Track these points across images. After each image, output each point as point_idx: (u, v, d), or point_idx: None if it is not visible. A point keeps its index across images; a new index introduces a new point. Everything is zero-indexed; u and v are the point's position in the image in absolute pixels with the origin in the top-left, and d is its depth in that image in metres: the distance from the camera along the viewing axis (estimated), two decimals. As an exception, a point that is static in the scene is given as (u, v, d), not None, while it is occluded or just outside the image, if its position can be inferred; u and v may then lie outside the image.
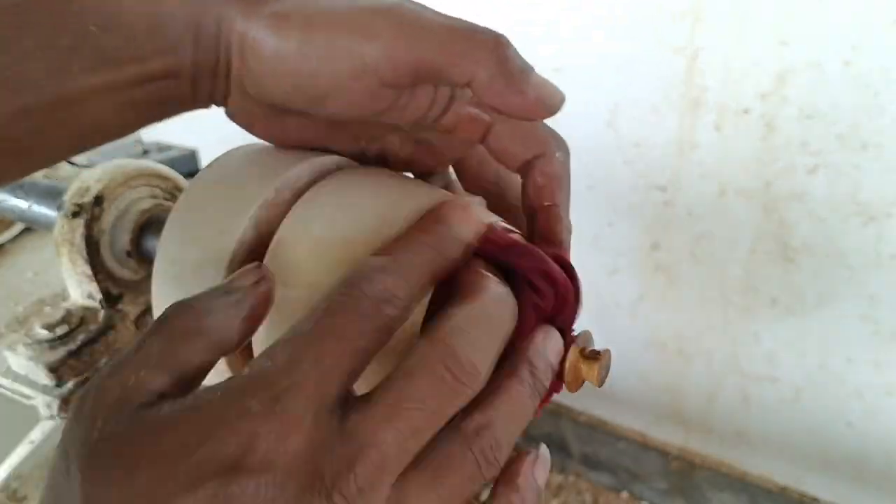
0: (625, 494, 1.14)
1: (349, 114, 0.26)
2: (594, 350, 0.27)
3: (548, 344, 0.23)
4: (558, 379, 0.26)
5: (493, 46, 0.24)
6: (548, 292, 0.24)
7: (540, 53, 0.86)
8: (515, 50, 0.25)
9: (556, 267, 0.25)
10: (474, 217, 0.24)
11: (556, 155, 0.28)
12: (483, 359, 0.21)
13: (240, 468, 0.17)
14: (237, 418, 0.18)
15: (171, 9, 0.24)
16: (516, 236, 0.26)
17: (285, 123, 0.28)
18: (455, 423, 0.20)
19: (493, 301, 0.22)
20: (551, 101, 0.25)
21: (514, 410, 0.21)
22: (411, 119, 0.27)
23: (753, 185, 0.80)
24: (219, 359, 0.21)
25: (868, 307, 0.80)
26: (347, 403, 0.19)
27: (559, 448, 1.18)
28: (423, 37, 0.24)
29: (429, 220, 0.23)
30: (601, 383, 0.27)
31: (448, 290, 0.23)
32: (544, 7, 0.83)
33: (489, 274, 0.23)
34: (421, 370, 0.20)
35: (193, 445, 0.18)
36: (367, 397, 0.20)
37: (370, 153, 0.31)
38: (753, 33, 0.73)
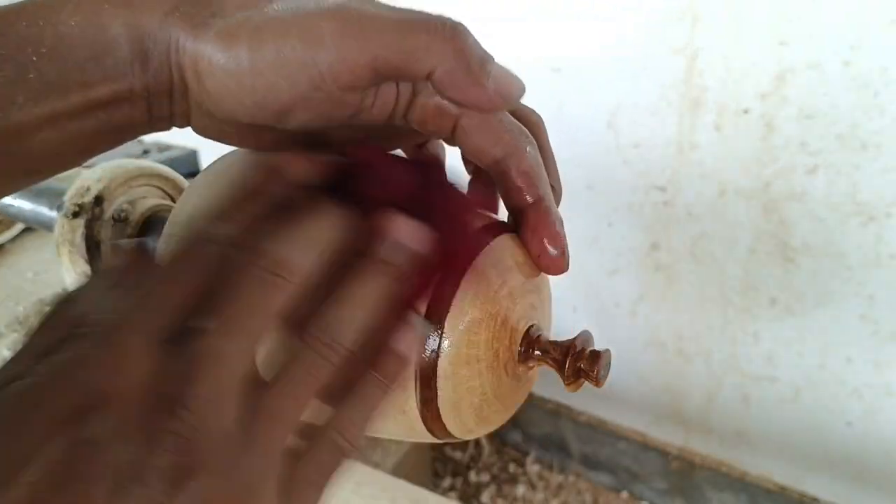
0: (625, 494, 1.14)
1: (320, 123, 0.26)
2: (594, 350, 0.27)
3: (391, 227, 0.23)
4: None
5: (451, 36, 0.24)
6: (368, 173, 0.25)
7: (540, 54, 0.86)
8: (473, 38, 0.25)
9: (366, 149, 0.26)
10: (302, 164, 0.24)
11: (528, 150, 0.28)
12: (300, 255, 0.21)
13: (85, 409, 0.18)
14: (74, 365, 0.18)
15: (115, 34, 0.24)
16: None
17: (260, 137, 0.28)
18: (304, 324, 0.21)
19: (312, 213, 0.23)
20: (510, 92, 0.25)
21: (349, 297, 0.22)
22: (381, 118, 0.27)
23: (753, 185, 0.80)
24: None
25: (867, 307, 0.80)
26: (188, 335, 0.20)
27: (559, 448, 1.18)
28: (374, 35, 0.23)
29: (258, 174, 0.23)
30: (601, 383, 0.27)
31: None
32: (544, 7, 0.83)
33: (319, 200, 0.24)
34: (241, 277, 0.21)
35: (40, 403, 0.18)
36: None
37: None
38: (753, 33, 0.73)
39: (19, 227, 0.59)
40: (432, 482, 1.20)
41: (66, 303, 0.21)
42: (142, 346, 0.19)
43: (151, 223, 0.43)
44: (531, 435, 1.21)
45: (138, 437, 0.18)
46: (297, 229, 0.22)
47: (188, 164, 0.75)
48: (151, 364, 0.19)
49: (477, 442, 1.25)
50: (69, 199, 0.41)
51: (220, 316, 0.20)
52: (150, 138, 0.84)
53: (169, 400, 0.19)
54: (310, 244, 0.22)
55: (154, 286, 0.20)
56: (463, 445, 1.26)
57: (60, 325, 0.21)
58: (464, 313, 0.26)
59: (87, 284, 0.22)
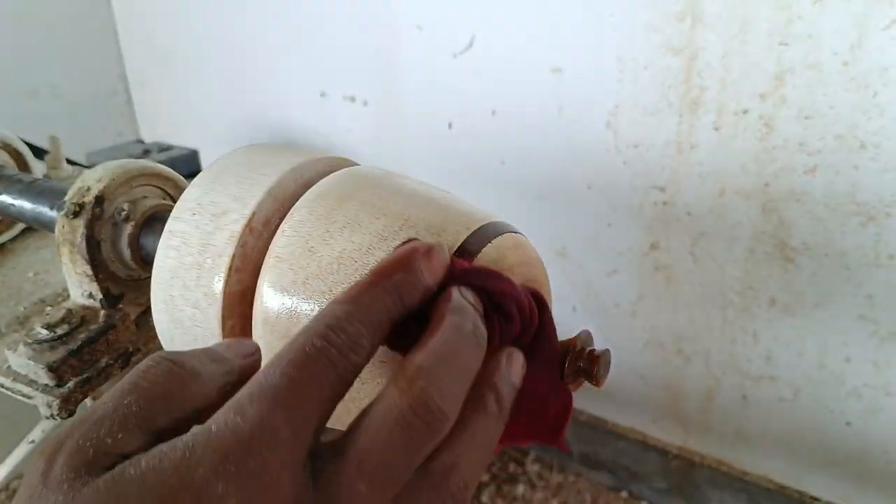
0: (624, 494, 1.14)
1: None
2: (594, 350, 0.27)
3: (511, 367, 0.23)
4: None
5: None
6: (516, 318, 0.25)
7: (540, 53, 0.86)
8: None
9: (524, 293, 0.26)
10: (437, 261, 0.24)
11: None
12: (452, 402, 0.21)
13: None
14: (206, 481, 0.17)
15: None
16: (487, 265, 0.27)
17: None
18: (424, 465, 0.20)
19: (462, 336, 0.22)
20: None
21: (480, 442, 0.21)
22: None
23: (752, 185, 0.80)
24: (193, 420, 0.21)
25: (866, 307, 0.80)
26: (317, 454, 0.19)
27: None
28: None
29: (392, 264, 0.23)
30: (601, 383, 0.27)
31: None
32: (544, 7, 0.83)
33: (464, 302, 0.23)
34: (390, 419, 0.19)
35: None
36: (336, 447, 0.19)
37: None
38: (752, 33, 0.73)
39: (20, 226, 0.59)
40: (432, 482, 1.19)
41: (170, 373, 0.20)
42: (286, 472, 0.18)
43: (152, 223, 0.43)
44: (531, 434, 1.21)
45: None
46: (448, 358, 0.21)
47: (188, 164, 0.75)
48: (291, 494, 0.18)
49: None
50: (70, 199, 0.41)
51: (360, 448, 0.19)
52: (151, 138, 0.84)
53: None
54: (461, 381, 0.21)
55: (293, 395, 0.19)
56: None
57: (175, 399, 0.20)
58: None
59: (195, 358, 0.21)
